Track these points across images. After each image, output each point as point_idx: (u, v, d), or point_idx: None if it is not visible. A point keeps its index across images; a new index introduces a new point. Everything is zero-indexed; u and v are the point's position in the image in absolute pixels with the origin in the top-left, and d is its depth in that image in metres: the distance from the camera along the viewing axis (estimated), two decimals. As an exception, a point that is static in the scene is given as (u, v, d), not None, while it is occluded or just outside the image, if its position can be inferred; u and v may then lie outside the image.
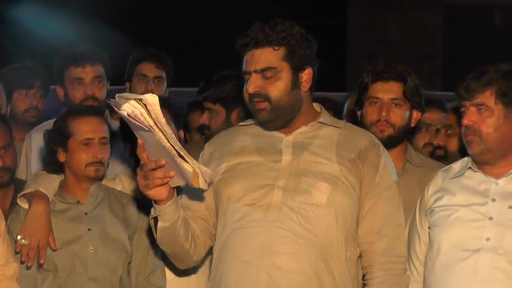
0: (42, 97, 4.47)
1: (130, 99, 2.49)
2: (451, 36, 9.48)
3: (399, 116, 3.43)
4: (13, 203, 3.47)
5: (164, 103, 3.44)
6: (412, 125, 3.51)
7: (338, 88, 6.93)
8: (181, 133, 3.56)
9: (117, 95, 2.53)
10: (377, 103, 3.45)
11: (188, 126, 4.74)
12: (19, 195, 3.32)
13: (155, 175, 2.62)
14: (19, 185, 3.53)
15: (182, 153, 2.56)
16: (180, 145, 2.57)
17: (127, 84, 4.62)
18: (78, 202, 3.33)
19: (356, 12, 9.45)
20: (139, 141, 2.61)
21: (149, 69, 4.54)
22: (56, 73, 4.10)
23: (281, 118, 2.92)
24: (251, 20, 2.95)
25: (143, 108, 2.47)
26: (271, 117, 2.91)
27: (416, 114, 3.49)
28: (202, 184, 2.60)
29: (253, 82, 2.89)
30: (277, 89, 2.89)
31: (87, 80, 4.01)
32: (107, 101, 2.66)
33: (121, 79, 4.62)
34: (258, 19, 2.95)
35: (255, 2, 8.43)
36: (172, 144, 2.54)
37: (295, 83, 2.92)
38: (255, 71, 2.89)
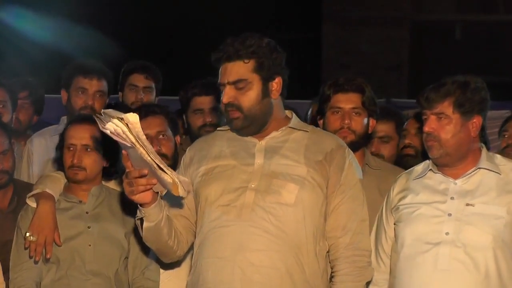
0: (29, 110, 4.44)
1: (113, 116, 2.51)
2: (416, 48, 9.49)
3: (359, 123, 3.48)
4: (12, 202, 3.50)
5: (163, 111, 3.52)
6: (369, 131, 3.56)
7: (314, 96, 6.94)
8: (178, 138, 3.55)
9: (102, 110, 2.55)
10: (339, 112, 3.48)
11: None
12: (28, 195, 3.34)
13: (139, 182, 2.66)
14: (18, 185, 3.57)
15: (162, 166, 2.61)
16: (160, 158, 2.61)
17: (120, 94, 4.62)
18: (80, 201, 3.36)
19: (331, 27, 9.46)
20: (123, 151, 2.64)
21: (139, 80, 4.55)
22: (64, 79, 4.11)
23: (254, 125, 2.93)
24: (231, 34, 2.94)
25: (125, 126, 2.50)
26: (244, 125, 2.92)
27: (372, 122, 3.54)
28: (181, 193, 2.65)
29: (226, 93, 2.90)
30: (249, 99, 2.89)
31: (90, 91, 4.03)
32: (94, 116, 2.69)
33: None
34: (237, 33, 2.95)
35: (235, 17, 8.46)
36: (153, 158, 2.58)
37: (265, 92, 2.92)
38: (228, 83, 2.89)
